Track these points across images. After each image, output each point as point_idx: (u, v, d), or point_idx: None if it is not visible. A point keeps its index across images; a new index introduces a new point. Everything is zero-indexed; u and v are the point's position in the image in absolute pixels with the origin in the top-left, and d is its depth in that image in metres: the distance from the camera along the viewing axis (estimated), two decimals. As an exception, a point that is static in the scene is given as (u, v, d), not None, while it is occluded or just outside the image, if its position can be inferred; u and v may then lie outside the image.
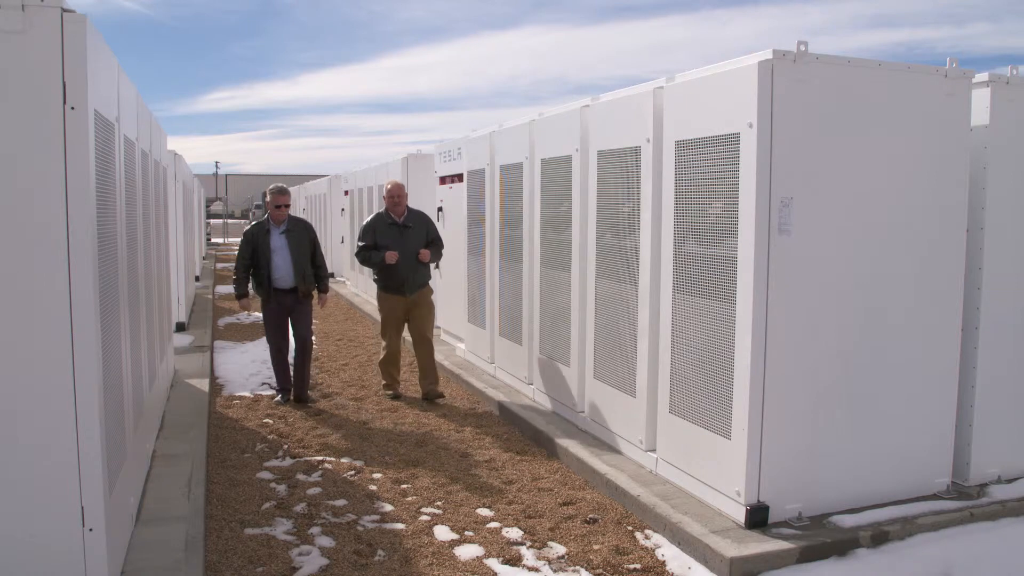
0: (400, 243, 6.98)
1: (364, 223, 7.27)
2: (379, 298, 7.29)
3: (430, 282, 7.38)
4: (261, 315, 7.22)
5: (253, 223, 7.06)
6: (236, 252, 7.04)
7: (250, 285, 7.08)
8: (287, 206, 6.97)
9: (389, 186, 7.15)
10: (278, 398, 7.14)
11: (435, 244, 7.25)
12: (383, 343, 7.34)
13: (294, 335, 7.12)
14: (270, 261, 6.81)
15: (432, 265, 7.32)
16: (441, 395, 7.23)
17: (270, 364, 7.36)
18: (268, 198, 6.93)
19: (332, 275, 18.57)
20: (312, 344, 7.30)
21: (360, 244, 7.12)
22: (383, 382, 7.48)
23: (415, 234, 7.09)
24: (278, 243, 6.86)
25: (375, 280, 7.27)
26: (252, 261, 6.90)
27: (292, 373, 7.20)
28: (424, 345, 7.24)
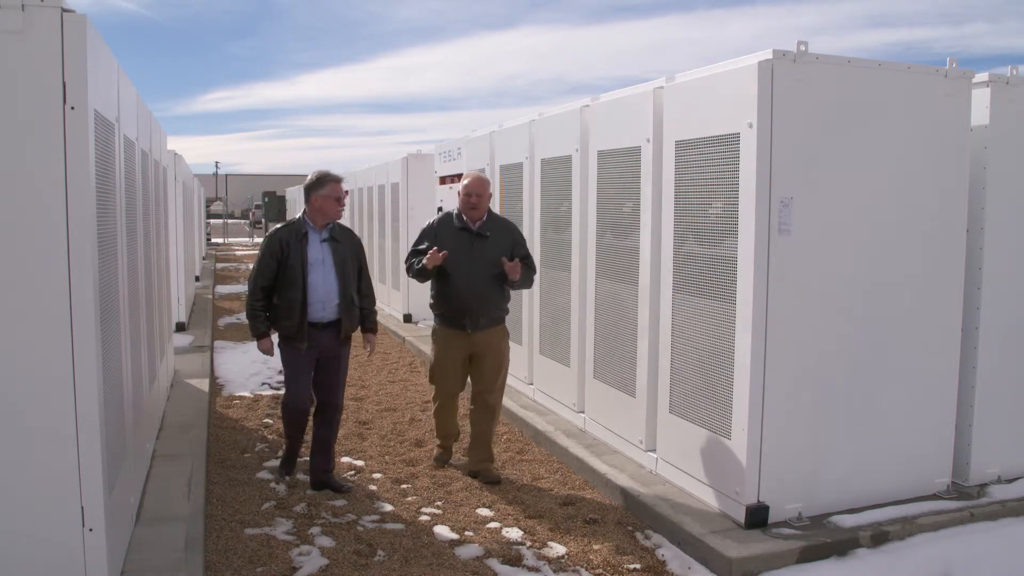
0: (469, 257, 4.95)
1: (426, 224, 5.24)
2: (433, 332, 5.26)
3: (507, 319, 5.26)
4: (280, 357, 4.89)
5: (281, 224, 4.84)
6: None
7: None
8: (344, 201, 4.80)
9: (467, 181, 5.05)
10: (286, 478, 5.02)
11: (525, 264, 5.09)
12: (433, 390, 5.40)
13: (318, 395, 4.92)
14: (305, 280, 4.63)
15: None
16: (498, 479, 5.12)
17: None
18: (321, 188, 4.67)
19: None
20: (342, 410, 5.18)
21: (412, 249, 5.17)
22: (436, 444, 5.53)
23: (493, 246, 4.97)
24: (319, 254, 4.69)
25: (431, 306, 5.22)
26: (277, 281, 4.70)
27: (309, 445, 5.09)
28: (483, 411, 5.18)
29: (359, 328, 4.95)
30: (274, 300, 4.72)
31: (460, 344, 5.07)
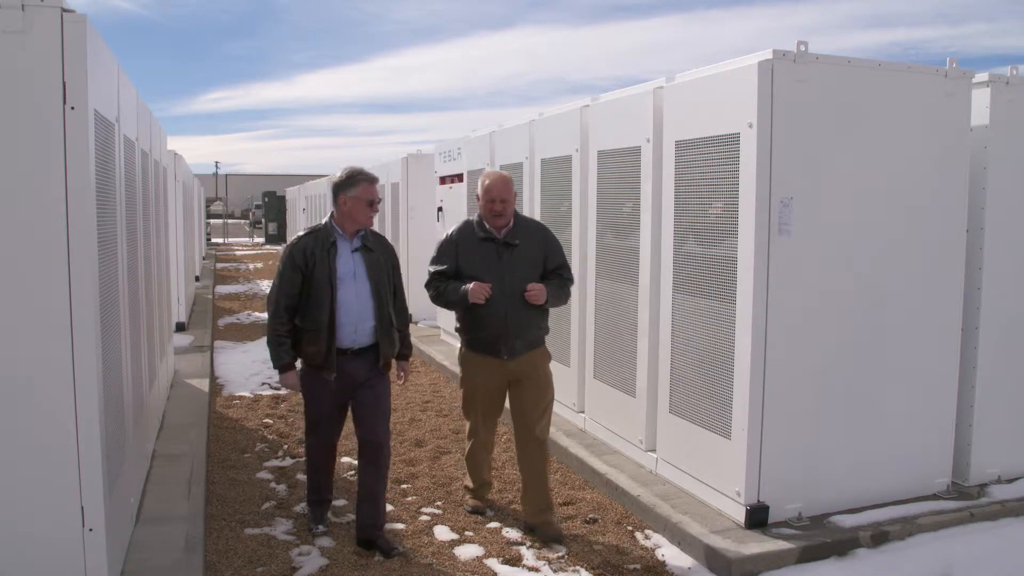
0: (497, 272, 4.19)
1: (443, 236, 4.44)
2: (462, 359, 4.48)
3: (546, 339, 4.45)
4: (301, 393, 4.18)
5: (304, 232, 4.08)
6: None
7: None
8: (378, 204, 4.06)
9: (488, 183, 4.24)
10: (319, 528, 4.26)
11: (559, 275, 4.34)
12: (467, 425, 4.62)
13: (360, 436, 4.08)
14: (334, 298, 3.89)
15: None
16: (559, 536, 4.24)
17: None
18: (351, 189, 3.96)
19: None
20: (390, 451, 4.18)
21: (433, 270, 4.34)
22: (465, 484, 4.77)
23: (523, 257, 4.24)
24: (350, 267, 3.96)
25: (457, 329, 4.46)
26: (301, 299, 3.94)
27: (351, 490, 4.46)
28: (530, 446, 4.32)
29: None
30: (296, 322, 3.95)
31: (495, 372, 4.29)
